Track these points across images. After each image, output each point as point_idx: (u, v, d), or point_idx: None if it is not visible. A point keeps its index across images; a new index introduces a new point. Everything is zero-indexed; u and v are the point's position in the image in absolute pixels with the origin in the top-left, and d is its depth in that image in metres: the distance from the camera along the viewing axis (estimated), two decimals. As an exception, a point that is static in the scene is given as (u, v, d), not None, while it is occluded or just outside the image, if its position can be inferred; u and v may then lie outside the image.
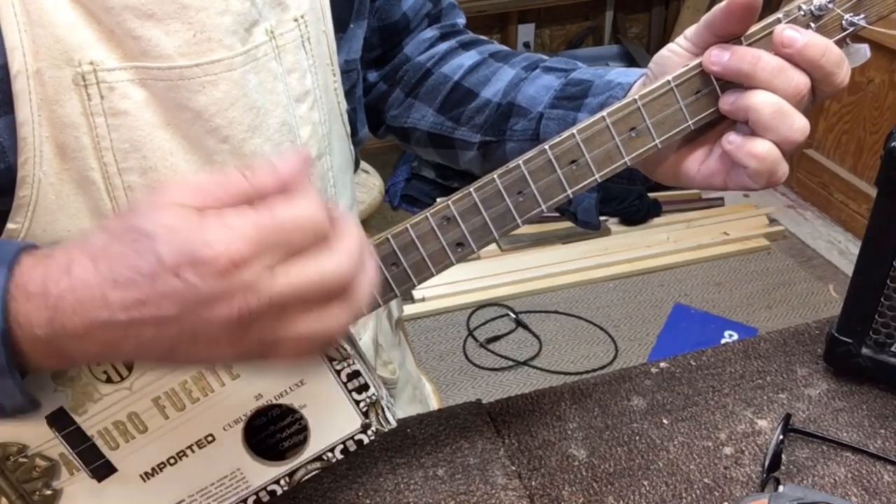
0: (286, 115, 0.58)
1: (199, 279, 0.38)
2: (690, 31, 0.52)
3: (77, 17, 0.49)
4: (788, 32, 0.49)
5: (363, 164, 2.25)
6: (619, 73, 0.62)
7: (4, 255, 0.42)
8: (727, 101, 0.51)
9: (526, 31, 3.07)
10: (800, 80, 0.49)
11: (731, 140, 0.51)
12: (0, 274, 0.41)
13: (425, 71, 0.73)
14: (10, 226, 0.52)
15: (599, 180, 0.52)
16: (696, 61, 0.51)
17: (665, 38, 3.17)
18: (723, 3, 0.49)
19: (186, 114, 0.52)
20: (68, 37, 0.49)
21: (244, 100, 0.54)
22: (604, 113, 0.51)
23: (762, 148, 0.50)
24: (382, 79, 0.76)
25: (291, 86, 0.58)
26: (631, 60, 2.98)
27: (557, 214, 0.67)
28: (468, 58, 0.72)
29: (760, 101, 0.49)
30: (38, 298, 0.41)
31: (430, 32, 0.75)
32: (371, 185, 2.38)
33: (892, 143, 0.64)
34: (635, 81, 0.60)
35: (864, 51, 0.51)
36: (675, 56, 0.53)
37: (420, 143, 0.75)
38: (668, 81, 0.51)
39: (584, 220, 0.67)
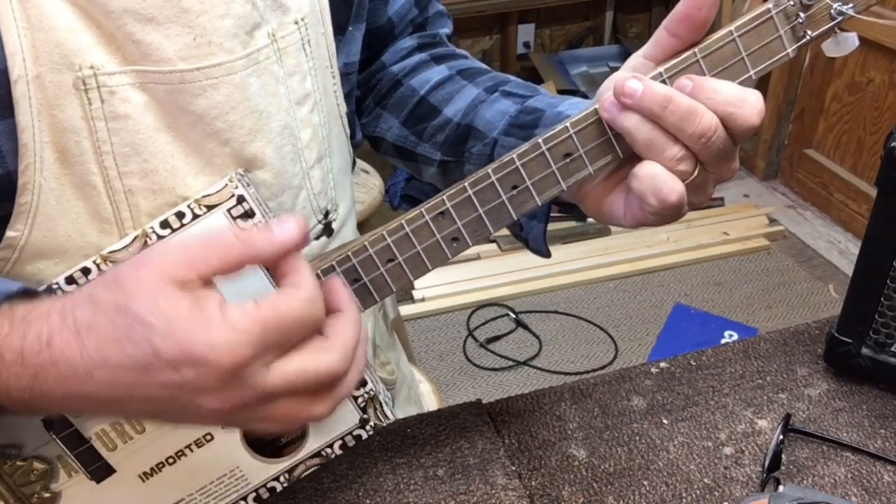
0: (287, 117, 0.58)
1: (198, 377, 0.39)
2: (643, 50, 0.51)
3: (77, 21, 0.48)
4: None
5: (363, 165, 2.25)
6: (572, 105, 0.62)
7: None
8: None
9: (526, 31, 3.06)
10: (710, 121, 0.46)
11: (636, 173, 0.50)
12: None
13: (395, 82, 0.73)
14: (9, 233, 0.52)
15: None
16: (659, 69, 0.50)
17: (665, 37, 3.16)
18: (678, 10, 0.48)
19: (187, 117, 0.52)
20: (68, 41, 0.48)
21: (246, 103, 0.54)
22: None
23: (647, 169, 0.48)
24: (358, 85, 0.75)
25: (292, 88, 0.58)
26: (631, 60, 2.97)
27: (558, 214, 0.67)
28: (437, 73, 0.72)
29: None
30: (15, 366, 0.41)
31: (409, 42, 0.75)
32: (371, 185, 2.38)
33: (892, 143, 0.65)
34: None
35: (853, 39, 0.51)
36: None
37: (388, 153, 0.76)
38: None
39: (534, 247, 0.67)
